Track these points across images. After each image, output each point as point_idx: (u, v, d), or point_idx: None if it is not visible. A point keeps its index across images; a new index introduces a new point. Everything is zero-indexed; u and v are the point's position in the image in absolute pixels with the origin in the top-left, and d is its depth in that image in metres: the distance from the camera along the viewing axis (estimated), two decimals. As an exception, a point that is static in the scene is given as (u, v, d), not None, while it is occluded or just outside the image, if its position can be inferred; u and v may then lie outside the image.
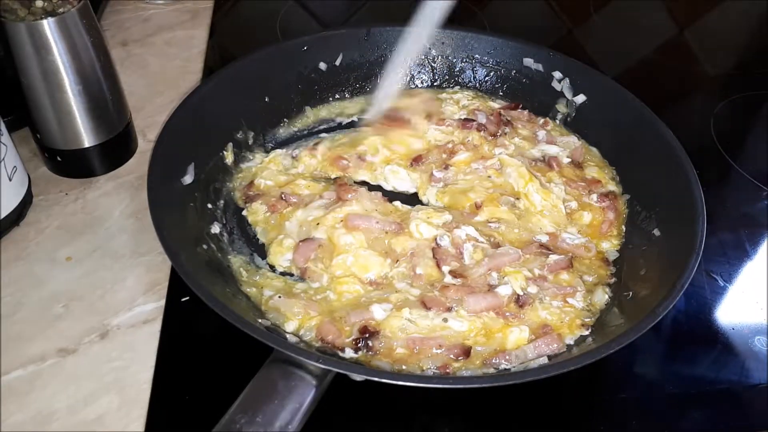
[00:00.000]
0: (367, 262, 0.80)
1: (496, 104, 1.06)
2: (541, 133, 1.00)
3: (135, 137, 1.00)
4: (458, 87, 1.10)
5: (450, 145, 0.96)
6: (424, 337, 0.72)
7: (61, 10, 0.81)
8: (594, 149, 0.99)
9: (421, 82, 1.11)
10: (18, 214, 0.86)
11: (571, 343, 0.74)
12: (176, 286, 0.80)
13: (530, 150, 0.97)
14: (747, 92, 1.23)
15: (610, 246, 0.87)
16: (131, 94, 1.01)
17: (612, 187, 0.93)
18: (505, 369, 0.71)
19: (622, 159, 0.94)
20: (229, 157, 0.93)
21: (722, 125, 1.14)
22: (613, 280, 0.82)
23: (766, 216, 0.99)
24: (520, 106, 1.05)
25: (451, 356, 0.71)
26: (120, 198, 0.92)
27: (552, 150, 0.97)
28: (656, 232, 0.83)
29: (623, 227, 0.88)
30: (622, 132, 0.94)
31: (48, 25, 0.80)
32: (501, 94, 1.08)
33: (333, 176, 0.95)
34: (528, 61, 1.04)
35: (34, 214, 0.89)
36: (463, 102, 1.05)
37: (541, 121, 1.03)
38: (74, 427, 0.68)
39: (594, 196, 0.91)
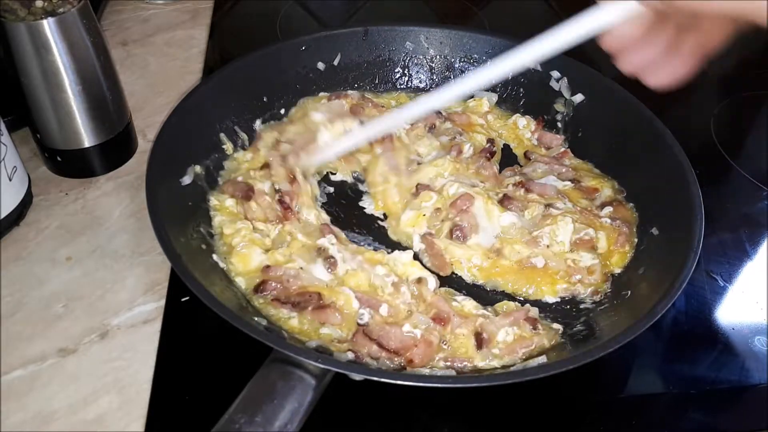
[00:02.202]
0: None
1: (522, 120, 1.04)
2: (551, 178, 0.94)
3: (135, 137, 1.00)
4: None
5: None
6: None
7: (61, 10, 0.81)
8: (590, 164, 0.98)
9: (420, 82, 1.11)
10: (18, 214, 0.86)
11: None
12: (176, 286, 0.80)
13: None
14: (747, 92, 1.23)
15: (618, 259, 0.84)
16: (131, 94, 1.01)
17: (609, 191, 0.92)
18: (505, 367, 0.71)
19: (620, 158, 0.94)
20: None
21: (722, 125, 1.14)
22: (600, 297, 0.81)
23: (766, 216, 0.99)
24: (543, 122, 1.04)
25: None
26: (120, 198, 0.92)
27: (559, 185, 0.92)
28: (654, 231, 0.83)
29: (635, 239, 0.85)
30: (620, 131, 0.94)
31: (48, 25, 0.80)
32: (498, 92, 1.08)
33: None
34: (527, 61, 1.04)
35: (34, 214, 0.89)
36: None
37: (561, 150, 1.00)
38: (74, 427, 0.68)
39: (606, 220, 0.86)
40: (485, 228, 0.86)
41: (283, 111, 1.02)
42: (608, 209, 0.88)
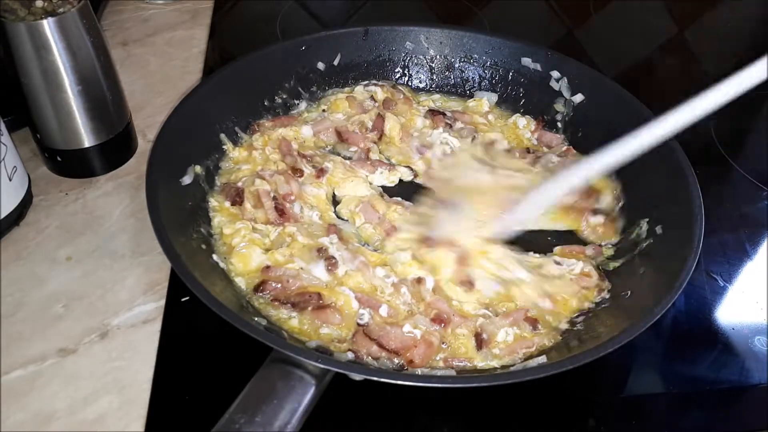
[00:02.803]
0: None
1: (522, 120, 1.04)
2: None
3: (135, 137, 1.00)
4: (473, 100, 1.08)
5: None
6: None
7: (61, 10, 0.81)
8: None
9: (420, 82, 1.11)
10: (18, 214, 0.86)
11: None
12: (176, 286, 0.80)
13: None
14: (747, 92, 1.23)
15: (609, 251, 0.85)
16: (131, 94, 1.01)
17: (609, 198, 0.91)
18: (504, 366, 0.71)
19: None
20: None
21: (722, 125, 1.14)
22: (605, 295, 0.80)
23: (766, 216, 0.99)
24: (543, 122, 1.04)
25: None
26: (120, 198, 0.92)
27: None
28: (657, 230, 0.83)
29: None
30: (620, 131, 0.94)
31: (48, 25, 0.80)
32: (498, 92, 1.08)
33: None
34: (526, 61, 1.04)
35: (34, 214, 0.89)
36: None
37: (564, 147, 1.00)
38: (74, 427, 0.68)
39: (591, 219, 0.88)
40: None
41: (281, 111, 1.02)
42: (600, 218, 0.88)
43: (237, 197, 0.85)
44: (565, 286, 0.81)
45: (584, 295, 0.80)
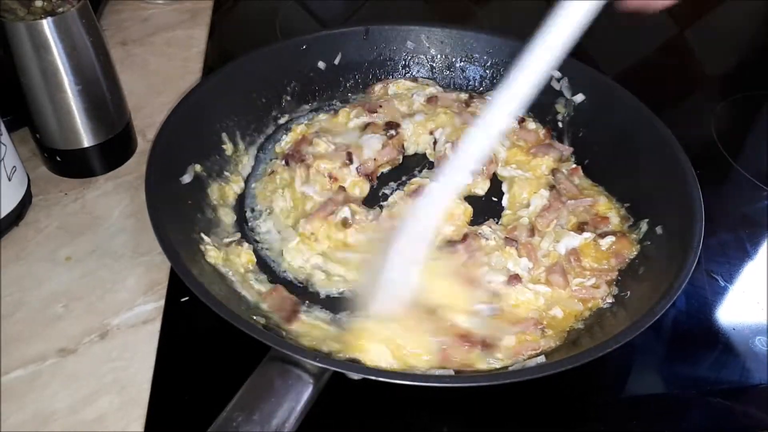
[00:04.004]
0: None
1: (532, 124, 1.02)
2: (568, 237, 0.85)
3: (135, 137, 1.00)
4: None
5: None
6: None
7: (60, 9, 0.81)
8: (600, 187, 0.94)
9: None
10: (17, 214, 0.86)
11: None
12: (176, 286, 0.80)
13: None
14: (747, 92, 1.23)
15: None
16: (131, 94, 1.01)
17: (616, 219, 0.88)
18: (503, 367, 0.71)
19: (621, 158, 0.94)
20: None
21: (722, 125, 1.13)
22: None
23: (766, 216, 0.98)
24: (552, 131, 1.02)
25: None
26: (120, 198, 0.92)
27: (577, 241, 0.84)
28: (657, 230, 0.83)
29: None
30: (620, 131, 0.94)
31: (47, 25, 0.80)
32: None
33: None
34: (527, 61, 1.04)
35: (33, 214, 0.89)
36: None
37: (572, 166, 0.97)
38: (74, 427, 0.68)
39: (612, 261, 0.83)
40: None
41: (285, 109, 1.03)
42: (610, 239, 0.84)
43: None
44: (568, 300, 0.79)
45: (595, 303, 0.79)
